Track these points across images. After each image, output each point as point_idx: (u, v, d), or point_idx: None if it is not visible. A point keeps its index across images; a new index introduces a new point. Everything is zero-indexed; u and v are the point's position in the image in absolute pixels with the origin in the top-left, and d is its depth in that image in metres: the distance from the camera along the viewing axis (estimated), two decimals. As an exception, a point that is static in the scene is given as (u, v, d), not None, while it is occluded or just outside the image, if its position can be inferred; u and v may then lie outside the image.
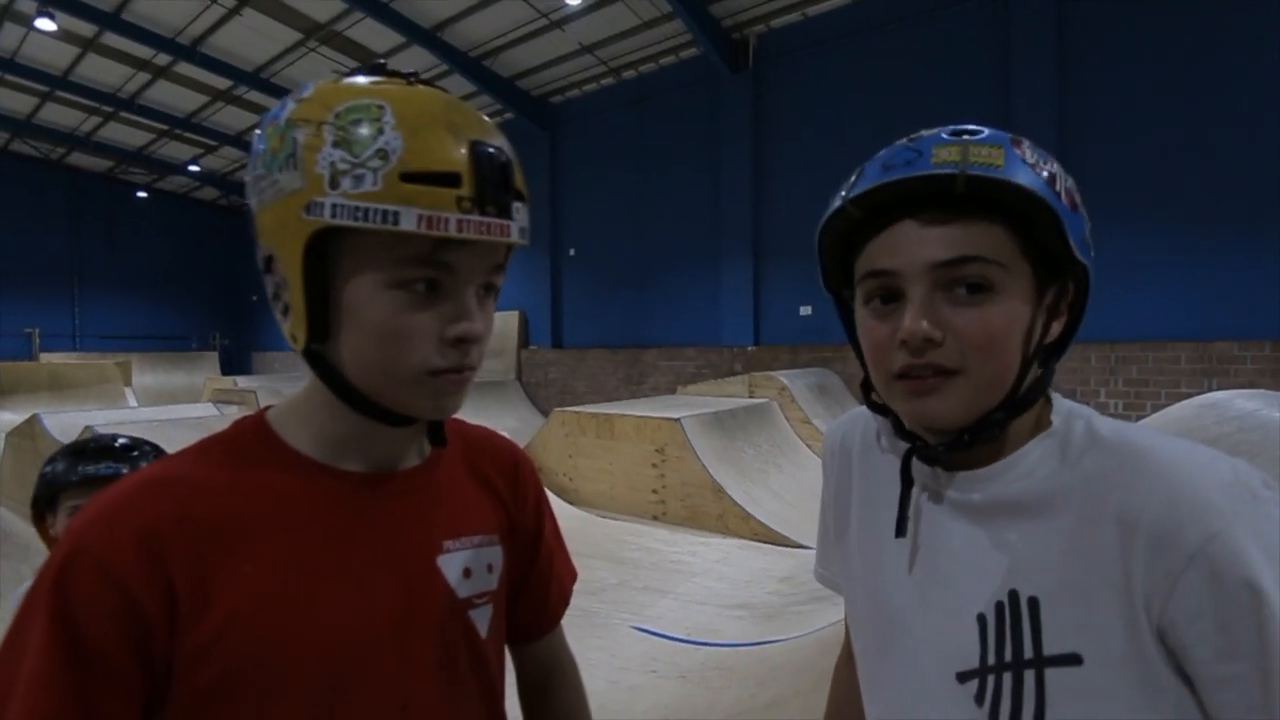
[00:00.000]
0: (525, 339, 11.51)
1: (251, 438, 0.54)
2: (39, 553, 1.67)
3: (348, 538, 0.53)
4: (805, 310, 8.65)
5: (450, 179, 0.47)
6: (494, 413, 9.57)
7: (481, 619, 0.59)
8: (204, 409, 6.96)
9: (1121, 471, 0.47)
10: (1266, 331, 5.76)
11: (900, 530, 0.57)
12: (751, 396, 6.84)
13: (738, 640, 3.05)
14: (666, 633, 3.19)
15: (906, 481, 0.57)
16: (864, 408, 0.66)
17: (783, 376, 6.92)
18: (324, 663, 0.50)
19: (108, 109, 12.57)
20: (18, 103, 12.70)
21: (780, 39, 8.81)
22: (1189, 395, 2.76)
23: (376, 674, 0.52)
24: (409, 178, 0.46)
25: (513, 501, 0.66)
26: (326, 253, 0.48)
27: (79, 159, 15.52)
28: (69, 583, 0.44)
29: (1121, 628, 0.45)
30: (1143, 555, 0.44)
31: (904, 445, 0.57)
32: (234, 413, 6.47)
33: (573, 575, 0.75)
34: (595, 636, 3.14)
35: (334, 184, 0.46)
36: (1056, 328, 0.53)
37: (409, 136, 0.47)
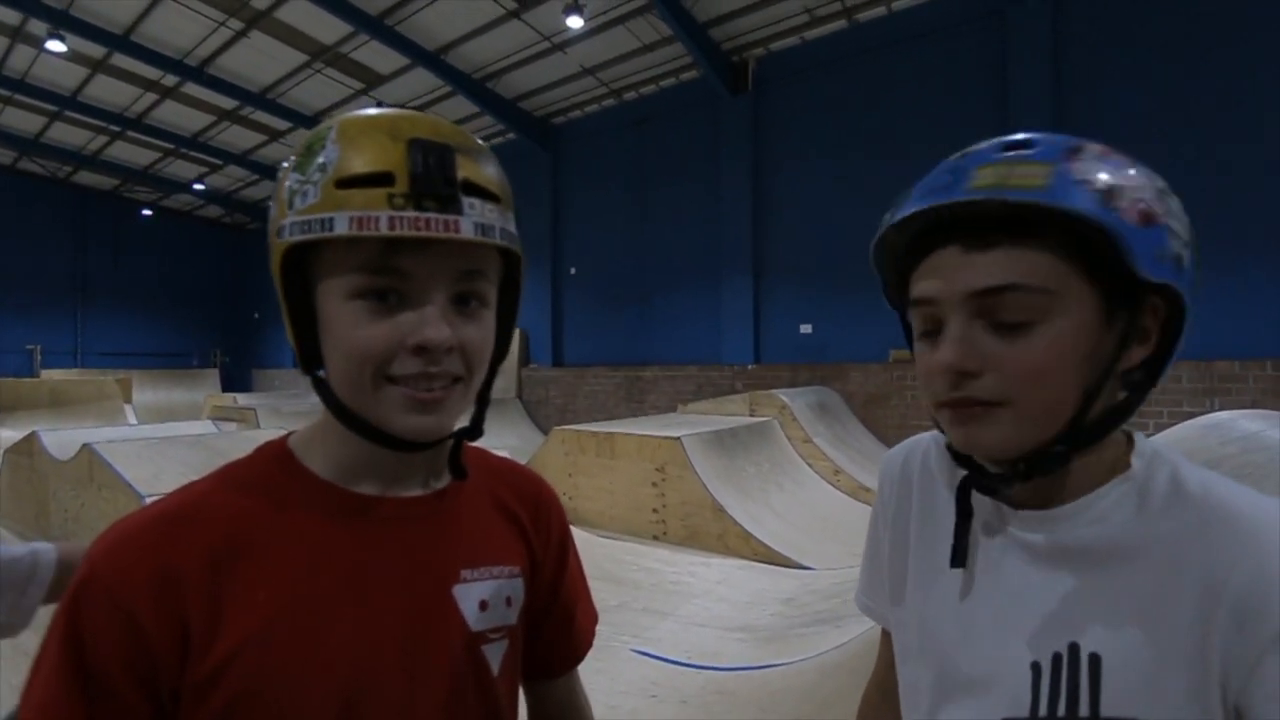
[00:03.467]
0: (526, 357, 11.52)
1: (272, 463, 0.54)
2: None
3: (361, 563, 0.52)
4: (805, 329, 8.66)
5: (382, 178, 0.46)
6: (494, 431, 9.54)
7: (495, 655, 0.56)
8: (203, 426, 6.93)
9: (1207, 532, 0.44)
10: (1268, 349, 5.75)
11: (956, 560, 0.54)
12: (752, 415, 6.82)
13: (739, 664, 3.00)
14: (667, 655, 3.14)
15: (964, 511, 0.54)
16: (926, 434, 0.65)
17: (783, 395, 6.90)
18: (331, 691, 0.49)
19: (115, 128, 12.72)
20: (27, 122, 12.86)
21: (779, 61, 8.94)
22: (1191, 414, 2.74)
23: (383, 705, 0.50)
24: (343, 184, 0.46)
25: (535, 535, 0.64)
26: (306, 276, 0.50)
27: (85, 177, 15.65)
28: (80, 610, 0.45)
29: (1188, 700, 0.42)
30: (1224, 626, 0.41)
31: (962, 473, 0.54)
32: (232, 429, 6.45)
33: (595, 618, 0.73)
34: (595, 659, 3.06)
35: (290, 205, 0.48)
36: (1139, 352, 0.48)
37: (345, 146, 0.47)
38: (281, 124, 12.29)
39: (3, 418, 8.53)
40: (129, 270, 16.99)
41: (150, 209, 17.20)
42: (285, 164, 0.51)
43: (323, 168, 0.47)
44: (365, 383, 0.49)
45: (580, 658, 0.70)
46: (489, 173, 0.51)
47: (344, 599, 0.50)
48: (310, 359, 0.51)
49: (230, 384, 15.70)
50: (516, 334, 9.24)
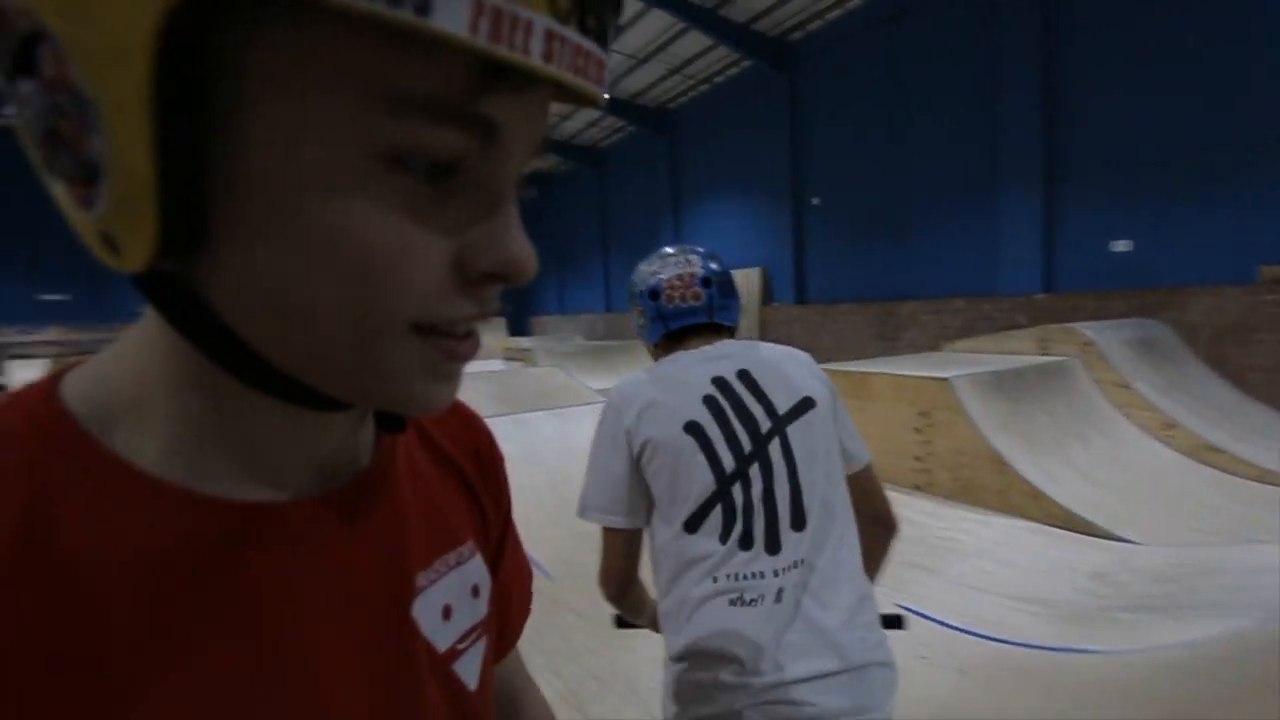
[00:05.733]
0: (768, 295, 11.28)
1: (51, 455, 0.26)
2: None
3: (276, 618, 0.29)
4: (1120, 246, 6.88)
5: None
6: (736, 370, 9.63)
7: (469, 668, 0.39)
8: (497, 364, 8.26)
9: None
10: None
11: None
12: (1043, 354, 5.71)
13: (1035, 641, 2.58)
14: (940, 617, 2.84)
15: None
16: None
17: (1087, 329, 5.62)
18: None
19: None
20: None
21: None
22: None
23: None
24: None
25: (483, 488, 0.44)
26: (207, 65, 0.21)
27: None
28: None
29: None
30: None
31: None
32: (518, 367, 7.53)
33: (530, 574, 0.54)
34: (853, 608, 2.94)
35: None
36: None
37: None
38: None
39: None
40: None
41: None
42: None
43: None
44: (374, 328, 0.26)
45: (520, 632, 0.53)
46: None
47: (265, 682, 0.28)
48: (179, 241, 0.23)
49: (514, 328, 18.47)
50: (758, 272, 9.23)
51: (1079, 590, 3.02)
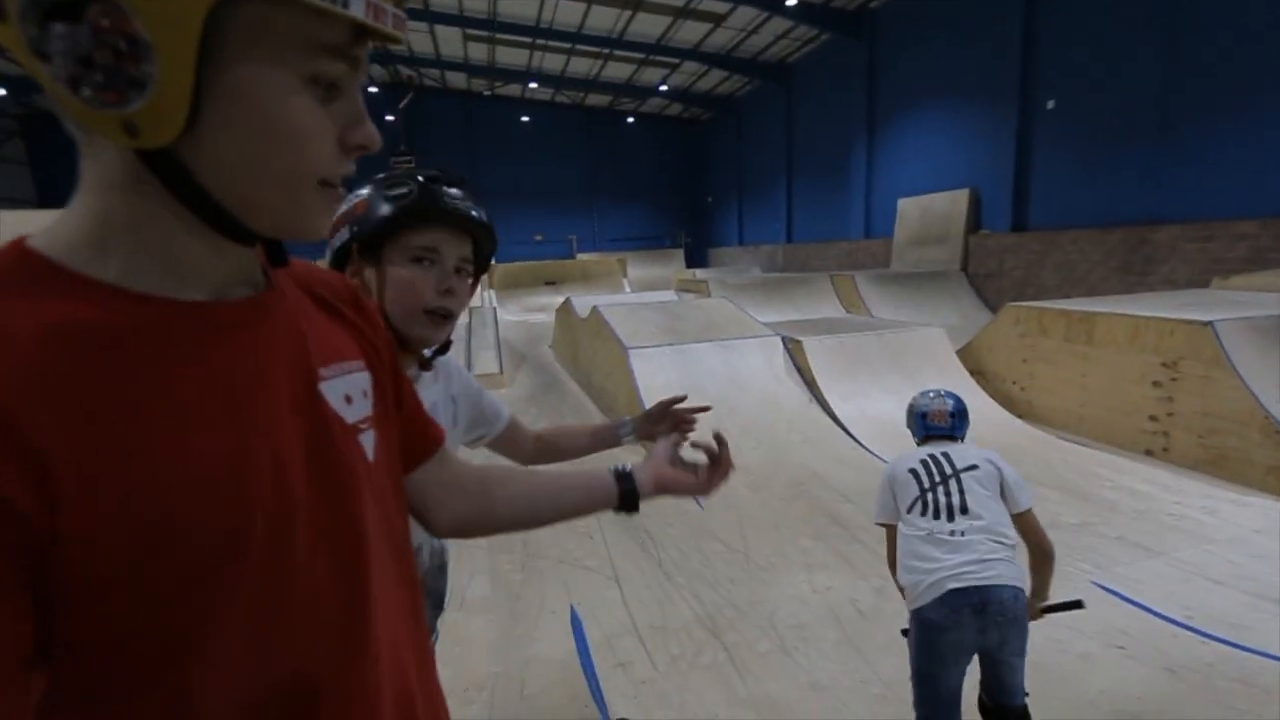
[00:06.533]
0: (975, 221, 9.80)
1: (15, 274, 0.39)
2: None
3: (230, 377, 0.43)
4: None
5: None
6: (930, 306, 8.67)
7: (369, 444, 0.54)
8: (667, 295, 8.38)
9: None
10: None
11: None
12: (1372, 293, 4.27)
13: (1287, 654, 2.06)
14: (1153, 606, 2.39)
15: None
16: None
17: None
18: (255, 518, 0.41)
19: (605, 50, 15.51)
20: (553, 62, 16.94)
21: None
22: None
23: (298, 520, 0.44)
24: None
25: (366, 328, 0.59)
26: (221, 24, 0.38)
27: (592, 99, 19.91)
28: None
29: None
30: None
31: None
32: (690, 298, 7.57)
33: (427, 418, 0.70)
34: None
35: None
36: None
37: None
38: (722, 6, 12.82)
39: (556, 288, 12.15)
40: (622, 171, 21.41)
41: (632, 117, 20.92)
42: None
43: None
44: (288, 178, 0.43)
45: (439, 440, 0.70)
46: None
47: (218, 416, 0.42)
48: (185, 128, 0.38)
49: (691, 260, 18.53)
50: (965, 194, 8.13)
51: (1375, 602, 2.32)
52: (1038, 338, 4.94)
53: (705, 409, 1.17)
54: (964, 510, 1.51)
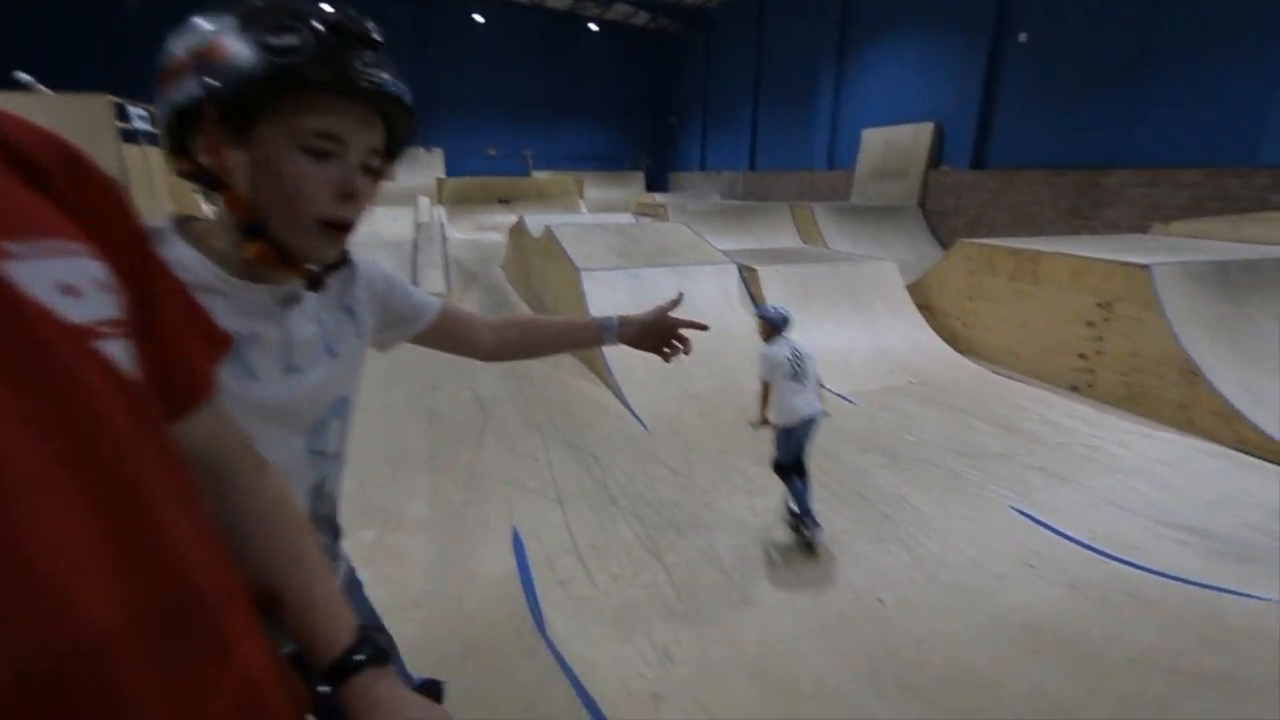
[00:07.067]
0: (936, 157, 9.77)
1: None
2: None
3: None
4: None
5: None
6: (885, 241, 8.73)
7: (120, 353, 0.39)
8: (625, 218, 8.13)
9: None
10: None
11: None
12: (1295, 244, 4.48)
13: (1177, 573, 2.24)
14: (1060, 527, 2.55)
15: None
16: None
17: (1376, 215, 4.27)
18: None
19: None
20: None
21: None
22: None
23: None
24: None
25: (86, 206, 0.41)
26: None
27: (553, 1, 18.40)
28: None
29: None
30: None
31: None
32: (647, 222, 7.36)
33: (206, 322, 0.54)
34: (958, 503, 2.72)
35: None
36: None
37: None
38: None
39: (510, 206, 11.63)
40: (583, 86, 20.10)
41: (595, 24, 19.49)
42: None
43: None
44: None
45: (205, 388, 0.52)
46: None
47: None
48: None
49: (652, 184, 17.99)
50: (930, 128, 8.01)
51: (1254, 528, 2.54)
52: (985, 275, 5.03)
53: (703, 327, 1.13)
54: (806, 377, 2.53)
